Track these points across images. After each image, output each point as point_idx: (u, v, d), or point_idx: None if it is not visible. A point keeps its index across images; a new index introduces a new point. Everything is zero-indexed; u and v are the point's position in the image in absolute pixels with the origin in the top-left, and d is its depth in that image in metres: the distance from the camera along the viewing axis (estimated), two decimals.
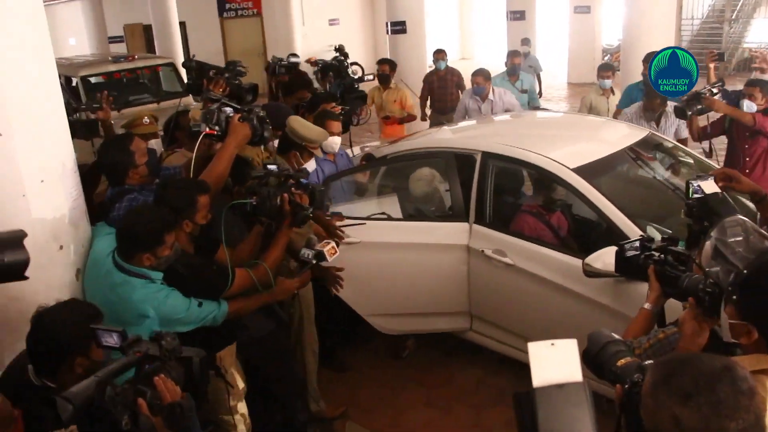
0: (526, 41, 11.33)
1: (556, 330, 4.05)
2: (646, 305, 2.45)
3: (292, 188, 3.18)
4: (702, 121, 5.55)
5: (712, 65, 6.13)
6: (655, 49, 8.01)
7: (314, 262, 3.35)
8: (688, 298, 2.11)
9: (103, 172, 3.52)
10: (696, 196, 2.83)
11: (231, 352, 3.30)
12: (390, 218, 4.65)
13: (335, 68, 6.42)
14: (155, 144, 4.83)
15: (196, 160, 3.33)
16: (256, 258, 3.25)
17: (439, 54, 9.25)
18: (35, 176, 2.83)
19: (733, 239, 2.06)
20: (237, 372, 3.37)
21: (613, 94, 7.39)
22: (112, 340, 2.07)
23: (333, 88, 6.27)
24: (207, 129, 3.25)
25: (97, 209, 3.44)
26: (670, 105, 5.84)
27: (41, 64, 2.95)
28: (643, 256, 2.55)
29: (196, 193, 3.06)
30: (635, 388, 1.62)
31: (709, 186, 2.64)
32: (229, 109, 3.33)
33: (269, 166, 3.26)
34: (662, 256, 2.47)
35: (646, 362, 1.69)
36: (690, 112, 5.28)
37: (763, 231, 1.96)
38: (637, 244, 2.60)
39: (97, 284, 2.96)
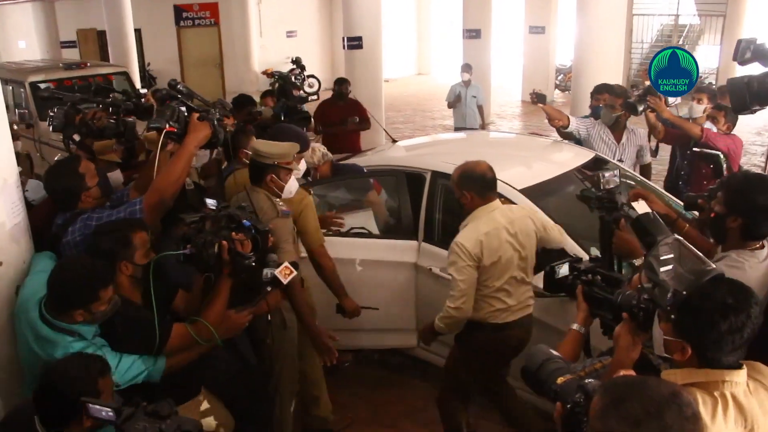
0: (466, 68, 10.12)
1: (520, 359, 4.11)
2: (575, 326, 2.51)
3: (233, 232, 2.83)
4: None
5: (647, 83, 5.98)
6: (605, 70, 8.32)
7: (268, 289, 3.07)
8: (621, 313, 2.17)
9: (53, 198, 3.28)
10: (608, 187, 3.13)
11: (196, 404, 3.11)
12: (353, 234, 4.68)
13: (281, 87, 6.42)
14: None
15: (152, 161, 3.21)
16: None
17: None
18: None
19: (665, 257, 2.14)
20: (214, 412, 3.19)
21: None
22: (107, 415, 2.01)
23: (276, 109, 6.17)
24: (167, 126, 3.08)
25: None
26: (635, 124, 5.73)
27: None
28: (571, 276, 2.60)
29: (129, 232, 2.82)
30: (577, 408, 1.67)
31: (641, 206, 2.74)
32: (184, 108, 3.19)
33: (208, 202, 2.96)
34: (590, 276, 2.53)
35: (587, 381, 1.74)
36: (641, 108, 5.27)
37: (698, 252, 2.02)
38: (566, 265, 2.67)
39: (22, 325, 2.74)
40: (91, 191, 3.13)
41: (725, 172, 4.44)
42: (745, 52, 2.85)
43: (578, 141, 5.66)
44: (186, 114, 3.16)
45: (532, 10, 17.56)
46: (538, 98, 5.84)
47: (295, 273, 3.06)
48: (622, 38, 8.99)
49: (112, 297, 2.60)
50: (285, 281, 3.03)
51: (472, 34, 14.51)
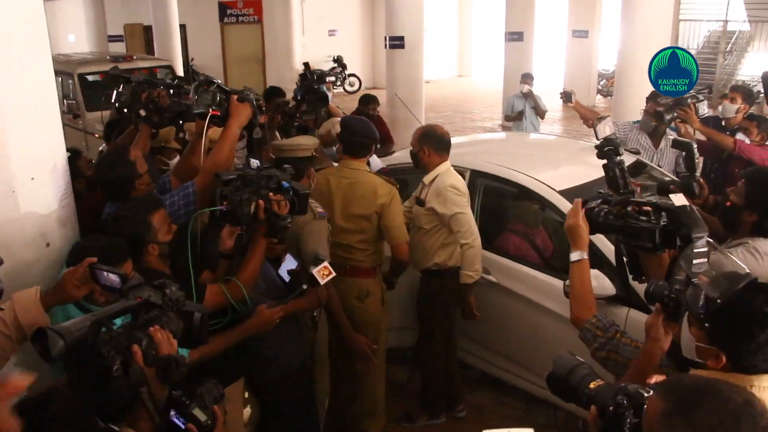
0: (527, 78, 9.26)
1: (536, 350, 4.12)
2: (575, 255, 2.61)
3: (271, 193, 2.81)
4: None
5: None
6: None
7: (304, 287, 3.06)
8: (661, 245, 2.32)
9: (105, 189, 3.28)
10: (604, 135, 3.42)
11: (238, 387, 3.13)
12: None
13: (302, 74, 6.33)
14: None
15: (193, 147, 3.30)
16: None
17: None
18: (26, 173, 2.84)
19: (700, 256, 2.20)
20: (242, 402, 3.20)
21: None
22: (112, 280, 2.03)
23: (296, 91, 6.15)
24: (211, 111, 3.14)
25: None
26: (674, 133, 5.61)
27: (38, 61, 2.96)
28: (603, 212, 2.58)
29: (146, 214, 2.80)
30: (619, 409, 1.63)
31: (678, 199, 2.73)
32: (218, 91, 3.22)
33: (252, 161, 2.99)
34: (623, 208, 2.53)
35: (625, 384, 1.71)
36: (668, 117, 5.21)
37: (733, 258, 2.01)
38: (599, 200, 2.65)
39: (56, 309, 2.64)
40: (143, 178, 3.18)
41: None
42: None
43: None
44: (225, 97, 3.20)
45: (575, 14, 17.41)
46: (565, 97, 5.96)
47: (333, 274, 3.05)
48: (668, 44, 8.83)
49: (132, 274, 2.45)
50: (322, 281, 3.02)
51: (515, 36, 14.43)
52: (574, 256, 2.59)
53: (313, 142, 3.74)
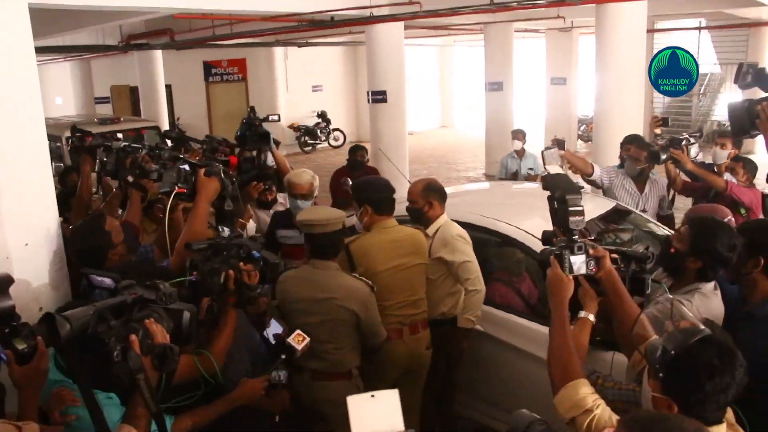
0: (518, 134, 9.02)
1: (525, 398, 4.14)
2: (583, 313, 2.58)
3: (241, 263, 2.76)
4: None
5: (657, 130, 5.84)
6: (626, 120, 8.40)
7: (283, 382, 2.90)
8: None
9: (79, 258, 3.20)
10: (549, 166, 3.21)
11: None
12: None
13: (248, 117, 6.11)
14: None
15: (168, 223, 3.30)
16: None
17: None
18: (20, 239, 2.92)
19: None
20: None
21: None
22: (105, 281, 2.13)
23: (238, 130, 6.02)
24: (177, 188, 3.12)
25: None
26: (658, 173, 5.72)
27: (31, 127, 3.08)
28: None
29: (101, 223, 3.06)
30: None
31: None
32: (186, 166, 3.19)
33: (220, 229, 2.94)
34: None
35: None
36: (663, 157, 5.22)
37: (689, 313, 2.09)
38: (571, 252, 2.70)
39: None
40: (117, 248, 3.14)
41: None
42: (746, 76, 2.91)
43: (602, 190, 5.72)
44: (191, 172, 3.17)
45: (552, 62, 17.83)
46: (558, 144, 5.77)
47: (308, 340, 3.01)
48: (642, 88, 9.08)
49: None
50: (299, 347, 2.98)
51: (494, 86, 14.76)
52: (582, 314, 2.61)
53: (341, 214, 3.68)
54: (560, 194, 2.50)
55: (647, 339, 2.18)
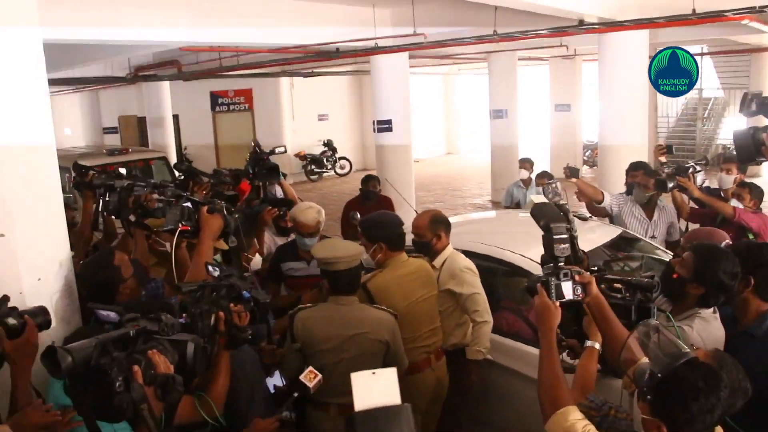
0: (525, 163, 8.90)
1: (535, 424, 4.12)
2: (589, 343, 2.65)
3: (231, 303, 2.70)
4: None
5: (662, 158, 5.75)
6: (630, 145, 8.47)
7: (295, 395, 2.91)
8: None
9: (90, 293, 3.20)
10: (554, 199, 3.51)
11: None
12: None
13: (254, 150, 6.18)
14: None
15: (175, 259, 3.28)
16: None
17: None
18: (33, 274, 2.95)
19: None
20: None
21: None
22: (110, 316, 2.16)
23: (246, 165, 5.89)
24: (181, 226, 3.15)
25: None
26: (666, 200, 5.68)
27: (44, 162, 3.13)
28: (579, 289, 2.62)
29: (110, 258, 3.13)
30: None
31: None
32: (188, 204, 3.23)
33: (209, 268, 2.89)
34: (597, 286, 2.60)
35: None
36: (671, 185, 5.21)
37: (674, 338, 2.14)
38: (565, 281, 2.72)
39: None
40: (127, 282, 3.14)
41: None
42: (750, 104, 2.94)
43: (610, 217, 5.73)
44: (194, 210, 3.20)
45: (556, 88, 18.00)
46: (571, 172, 5.81)
47: (319, 377, 2.95)
48: (646, 114, 9.16)
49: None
50: (311, 385, 2.93)
51: (499, 113, 14.86)
52: (589, 343, 2.67)
53: (359, 249, 3.65)
54: (545, 223, 2.55)
55: (635, 362, 2.23)
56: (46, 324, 2.65)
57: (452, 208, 14.20)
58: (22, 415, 2.36)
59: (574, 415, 2.26)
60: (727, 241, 3.86)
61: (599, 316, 2.55)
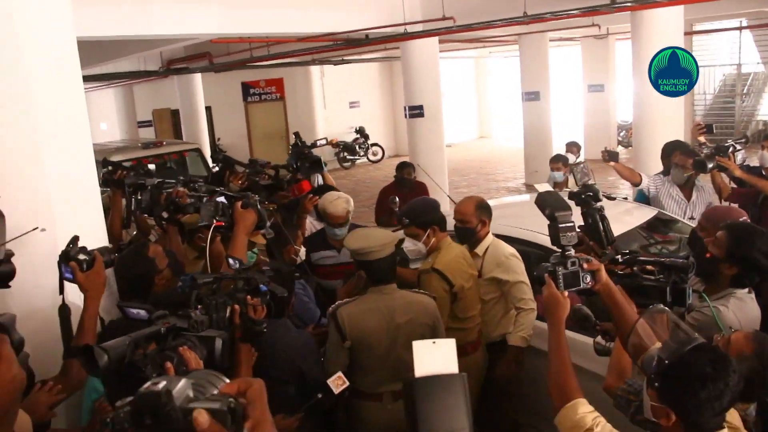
0: (573, 146, 8.64)
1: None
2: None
3: (248, 296, 2.67)
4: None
5: (701, 138, 5.67)
6: (666, 124, 8.30)
7: (319, 395, 2.93)
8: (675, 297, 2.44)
9: (126, 286, 3.26)
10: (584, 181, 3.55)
11: None
12: None
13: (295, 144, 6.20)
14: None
15: (210, 254, 3.31)
16: None
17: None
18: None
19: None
20: None
21: (567, 187, 6.85)
22: (140, 314, 2.22)
23: (288, 160, 6.01)
24: (216, 221, 3.19)
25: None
26: (705, 181, 5.59)
27: (82, 161, 3.22)
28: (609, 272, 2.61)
29: (144, 250, 3.19)
30: None
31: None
32: (221, 198, 3.28)
33: (230, 261, 2.89)
34: (632, 268, 2.60)
35: None
36: (710, 166, 5.07)
37: (684, 324, 2.10)
38: (607, 260, 2.72)
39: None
40: (163, 273, 3.20)
41: None
42: None
43: (646, 199, 5.63)
44: (229, 205, 3.24)
45: (589, 69, 17.72)
46: (609, 156, 5.72)
47: (347, 384, 2.97)
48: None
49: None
50: (337, 391, 2.95)
51: (531, 96, 14.71)
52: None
53: (393, 235, 3.59)
54: (549, 212, 2.51)
55: (644, 348, 2.20)
56: (110, 262, 2.99)
57: (485, 191, 14.14)
58: (34, 395, 2.52)
59: (583, 408, 2.25)
60: (744, 218, 3.76)
61: (610, 303, 2.50)
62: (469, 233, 4.13)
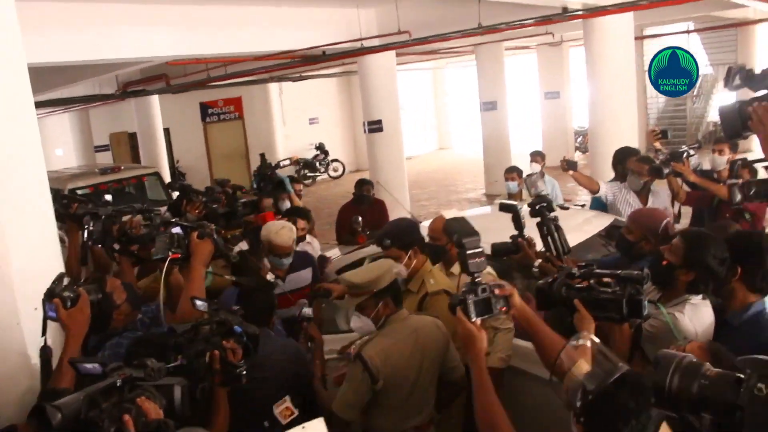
0: (537, 156, 8.05)
1: (556, 425, 4.06)
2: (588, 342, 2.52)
3: (224, 340, 2.64)
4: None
5: (657, 144, 5.73)
6: (621, 129, 8.45)
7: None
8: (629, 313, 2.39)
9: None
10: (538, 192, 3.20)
11: None
12: None
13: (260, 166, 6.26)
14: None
15: (165, 288, 3.21)
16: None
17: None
18: (30, 303, 2.93)
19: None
20: None
21: (521, 199, 6.52)
22: (95, 368, 2.14)
23: (254, 180, 6.19)
24: (171, 254, 3.12)
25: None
26: (660, 185, 5.63)
27: (38, 193, 3.11)
28: (564, 287, 2.58)
29: (102, 285, 3.01)
30: None
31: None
32: (176, 229, 3.19)
33: (197, 303, 2.77)
34: (588, 281, 2.56)
35: None
36: (666, 171, 5.15)
37: (609, 352, 2.03)
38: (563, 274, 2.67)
39: None
40: (121, 308, 3.08)
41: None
42: (734, 78, 2.93)
43: (604, 206, 5.70)
44: (184, 236, 3.16)
45: (545, 77, 18.01)
46: (568, 165, 5.73)
47: (295, 414, 2.95)
48: (634, 96, 9.17)
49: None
50: (284, 422, 2.92)
51: (489, 106, 14.87)
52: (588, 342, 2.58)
53: (389, 263, 3.46)
54: (457, 238, 2.44)
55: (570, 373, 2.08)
56: (97, 302, 2.89)
57: (447, 204, 14.19)
58: None
59: None
60: (668, 219, 3.82)
61: (528, 327, 2.43)
62: (440, 251, 4.02)
